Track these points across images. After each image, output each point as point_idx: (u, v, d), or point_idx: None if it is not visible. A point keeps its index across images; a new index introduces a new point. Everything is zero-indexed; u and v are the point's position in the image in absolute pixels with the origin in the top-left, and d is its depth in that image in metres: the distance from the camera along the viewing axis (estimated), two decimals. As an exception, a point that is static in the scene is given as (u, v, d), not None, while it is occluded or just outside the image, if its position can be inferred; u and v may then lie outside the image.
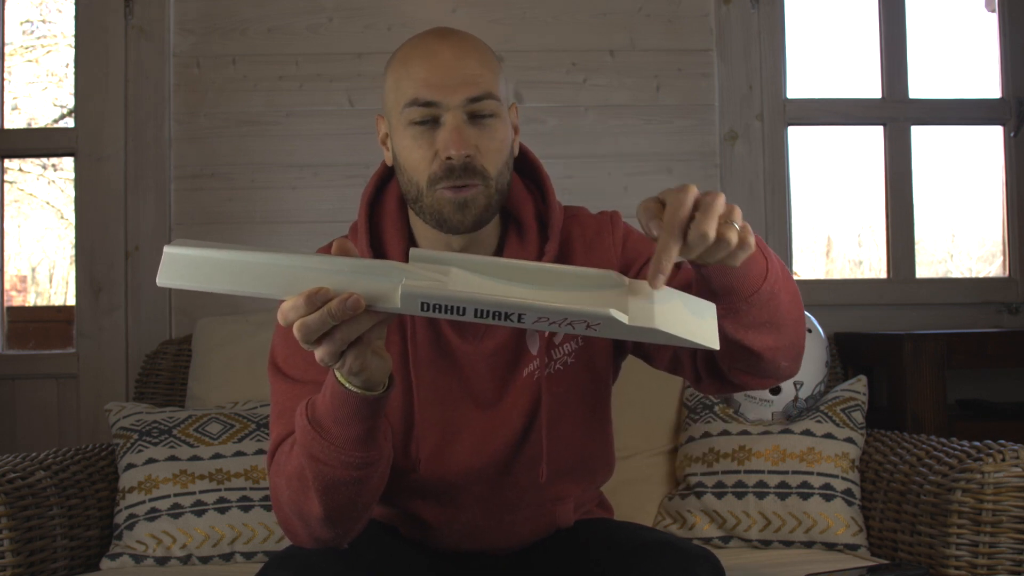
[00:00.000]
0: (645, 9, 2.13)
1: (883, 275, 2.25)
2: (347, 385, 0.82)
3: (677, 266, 1.06)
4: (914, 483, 1.41)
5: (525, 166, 1.12)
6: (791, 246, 2.15)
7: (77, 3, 2.09)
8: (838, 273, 3.09)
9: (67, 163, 3.40)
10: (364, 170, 2.06)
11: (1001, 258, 2.32)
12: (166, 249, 0.73)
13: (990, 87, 2.28)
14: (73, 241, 2.16)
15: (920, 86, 2.24)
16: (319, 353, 0.75)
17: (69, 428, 2.07)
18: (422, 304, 0.71)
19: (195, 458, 1.58)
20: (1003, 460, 1.28)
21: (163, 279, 0.72)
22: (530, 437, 1.08)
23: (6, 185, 2.22)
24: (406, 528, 1.14)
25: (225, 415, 1.65)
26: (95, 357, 2.06)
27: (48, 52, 3.54)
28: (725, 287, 0.87)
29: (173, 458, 1.58)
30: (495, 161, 0.99)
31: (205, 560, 1.52)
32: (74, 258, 2.12)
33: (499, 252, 1.08)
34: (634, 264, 1.09)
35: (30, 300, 3.84)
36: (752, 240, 0.78)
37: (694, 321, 0.75)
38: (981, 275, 2.80)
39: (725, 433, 1.63)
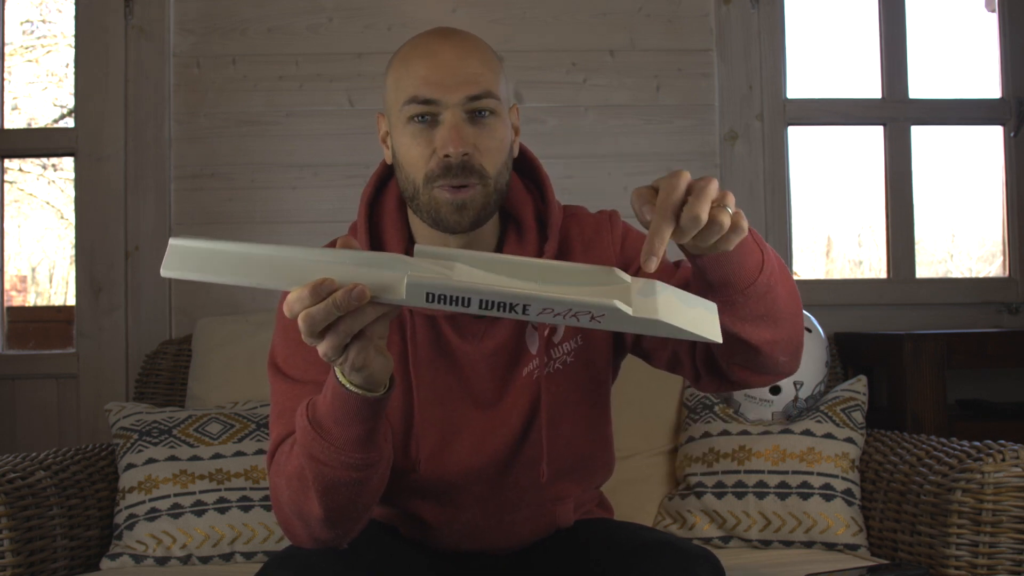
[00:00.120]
0: (645, 9, 2.13)
1: (883, 275, 2.25)
2: (348, 386, 0.82)
3: (676, 264, 1.07)
4: (914, 483, 1.41)
5: (525, 166, 1.12)
6: (791, 246, 2.15)
7: (77, 3, 2.09)
8: (838, 273, 3.09)
9: (67, 163, 3.40)
10: (364, 170, 2.06)
11: (1001, 258, 2.32)
12: (171, 241, 0.73)
13: (990, 87, 2.28)
14: (73, 241, 2.16)
15: (920, 86, 2.24)
16: (322, 347, 0.74)
17: (69, 428, 2.07)
18: (427, 295, 0.71)
19: (195, 458, 1.58)
20: (1003, 460, 1.28)
21: (167, 270, 0.72)
22: (530, 437, 1.08)
23: (6, 185, 2.22)
24: (406, 528, 1.14)
25: (225, 415, 1.65)
26: (95, 357, 2.06)
27: (48, 52, 3.54)
28: (721, 279, 0.86)
29: (173, 458, 1.58)
30: (494, 160, 0.99)
31: (205, 560, 1.52)
32: (74, 258, 2.12)
33: (498, 251, 1.08)
34: (633, 263, 1.09)
35: (30, 300, 3.84)
36: (745, 224, 0.78)
37: (696, 316, 0.75)
38: (981, 275, 2.80)
39: (725, 433, 1.63)
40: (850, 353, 1.99)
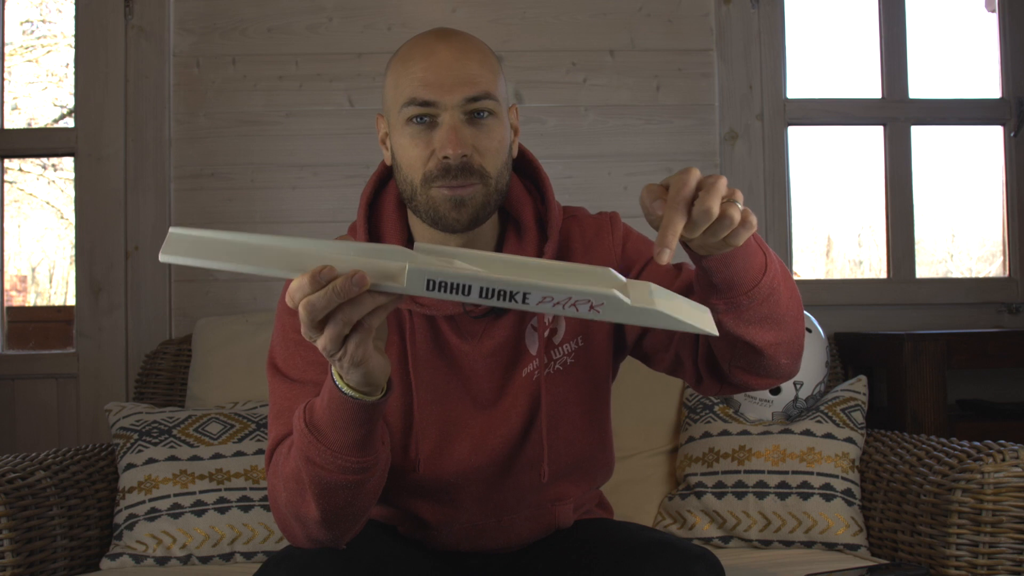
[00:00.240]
0: (645, 9, 2.13)
1: (883, 275, 2.25)
2: (345, 389, 0.82)
3: (677, 268, 1.07)
4: (914, 483, 1.41)
5: (524, 167, 1.12)
6: (791, 246, 2.15)
7: (77, 3, 2.09)
8: (838, 273, 3.08)
9: (67, 163, 3.40)
10: (364, 170, 2.06)
11: (1001, 258, 2.32)
12: (171, 229, 0.72)
13: (990, 87, 2.28)
14: (73, 241, 2.16)
15: (920, 86, 2.24)
16: (322, 340, 0.74)
17: (69, 428, 2.07)
18: (428, 282, 0.71)
19: (195, 458, 1.58)
20: (1003, 460, 1.28)
21: (165, 254, 0.72)
22: (530, 437, 1.08)
23: (6, 185, 2.22)
24: (406, 528, 1.14)
25: (225, 415, 1.65)
26: (95, 357, 2.06)
27: (48, 52, 3.54)
28: (726, 281, 0.87)
29: (173, 458, 1.58)
30: (493, 161, 0.99)
31: (205, 560, 1.52)
32: (74, 258, 2.12)
33: (498, 251, 1.08)
34: (634, 266, 1.10)
35: (30, 300, 3.84)
36: (754, 220, 0.79)
37: (692, 311, 0.76)
38: (981, 275, 2.80)
39: (725, 433, 1.63)
40: (850, 353, 1.99)
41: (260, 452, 1.60)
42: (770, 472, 1.56)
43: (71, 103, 2.25)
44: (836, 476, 1.54)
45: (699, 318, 0.75)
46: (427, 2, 2.12)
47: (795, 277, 2.25)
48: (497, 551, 1.14)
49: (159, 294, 2.06)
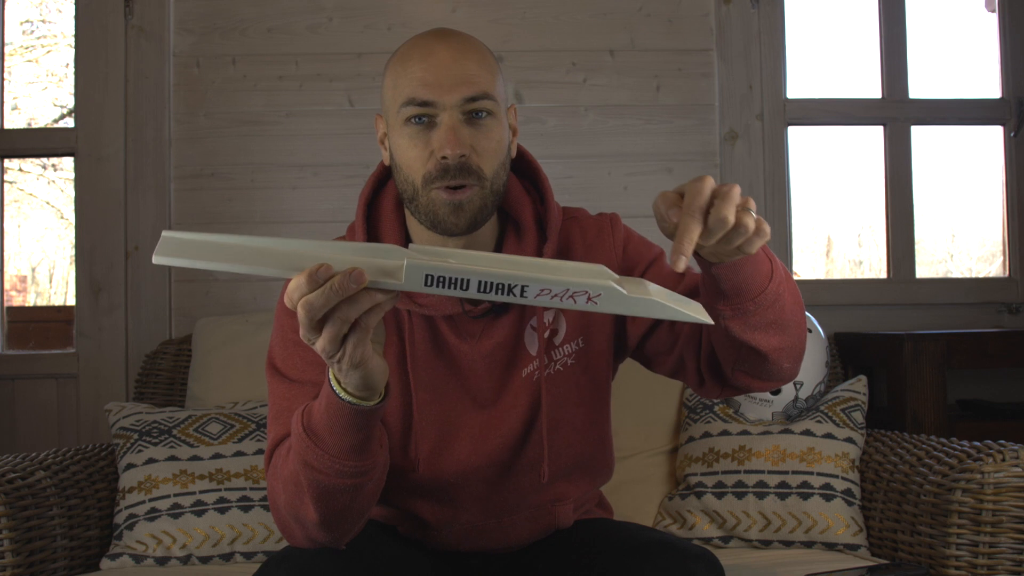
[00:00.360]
0: (645, 9, 2.13)
1: (883, 275, 2.25)
2: (342, 395, 0.82)
3: (680, 275, 1.07)
4: (914, 483, 1.41)
5: (523, 167, 1.12)
6: (791, 246, 2.15)
7: (77, 3, 2.09)
8: (838, 273, 3.09)
9: (67, 163, 3.40)
10: (364, 170, 2.06)
11: (1001, 258, 2.32)
12: (164, 233, 0.72)
13: (990, 87, 2.28)
14: (73, 241, 2.16)
15: (920, 86, 2.24)
16: (320, 341, 0.74)
17: (69, 428, 2.07)
18: (426, 277, 0.71)
19: (195, 458, 1.58)
20: (1003, 460, 1.28)
21: (159, 256, 0.71)
22: (531, 438, 1.08)
23: (6, 185, 2.22)
24: (405, 528, 1.14)
25: (225, 415, 1.65)
26: (95, 357, 2.06)
27: (48, 52, 3.54)
28: (734, 287, 0.88)
29: (173, 458, 1.58)
30: (491, 161, 0.99)
31: (205, 560, 1.52)
32: (74, 258, 2.12)
33: (497, 252, 1.08)
34: (636, 268, 1.10)
35: (30, 300, 3.84)
36: (767, 229, 0.81)
37: (686, 303, 0.76)
38: (981, 275, 2.80)
39: (725, 433, 1.63)
40: (850, 353, 1.99)
41: (260, 452, 1.60)
42: (770, 472, 1.56)
43: (71, 103, 2.25)
44: (836, 476, 1.54)
45: (695, 308, 0.76)
46: (427, 2, 2.12)
47: (795, 277, 2.25)
48: (497, 551, 1.14)
49: (159, 294, 2.06)
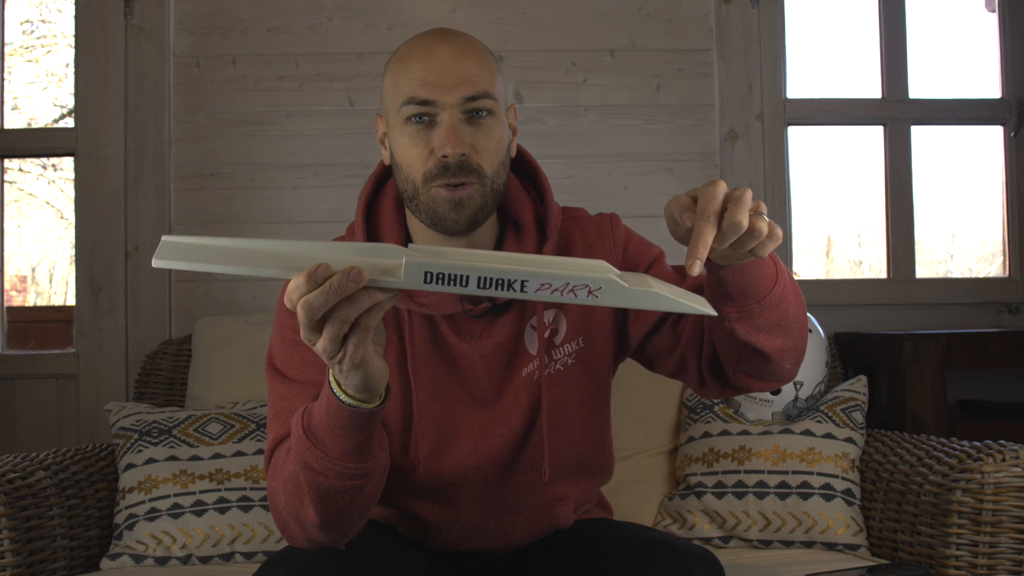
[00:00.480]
0: (645, 9, 2.13)
1: (883, 275, 2.25)
2: (343, 397, 0.82)
3: (680, 273, 1.07)
4: (914, 483, 1.41)
5: (523, 167, 1.12)
6: (791, 246, 2.15)
7: (77, 3, 2.09)
8: (838, 273, 3.09)
9: (67, 163, 3.40)
10: (364, 170, 2.06)
11: (1001, 258, 2.32)
12: (164, 238, 0.72)
13: (990, 87, 2.28)
14: (73, 241, 2.16)
15: (920, 86, 2.24)
16: (321, 342, 0.73)
17: (69, 428, 2.07)
18: (425, 274, 0.71)
19: (195, 458, 1.58)
20: (1003, 460, 1.28)
21: (159, 260, 0.71)
22: (531, 438, 1.08)
23: (6, 185, 2.22)
24: (405, 527, 1.14)
25: (225, 415, 1.65)
26: (95, 357, 2.06)
27: (48, 52, 3.54)
28: (741, 290, 0.89)
29: (173, 458, 1.58)
30: (491, 160, 0.99)
31: (205, 560, 1.52)
32: (74, 258, 2.12)
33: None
34: (636, 269, 1.10)
35: (30, 300, 3.84)
36: (779, 232, 0.82)
37: (689, 295, 0.76)
38: (981, 275, 2.80)
39: (725, 433, 1.63)
40: (850, 353, 1.99)
41: (260, 452, 1.60)
42: (770, 472, 1.56)
43: (71, 103, 2.25)
44: (836, 476, 1.54)
45: (698, 300, 0.76)
46: (427, 2, 2.12)
47: (795, 277, 2.25)
48: (497, 551, 1.14)
49: (159, 294, 2.06)
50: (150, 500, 1.54)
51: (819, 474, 1.54)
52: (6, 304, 2.17)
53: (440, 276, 0.71)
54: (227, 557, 1.53)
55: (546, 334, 1.07)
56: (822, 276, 2.94)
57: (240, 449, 1.60)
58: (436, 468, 1.06)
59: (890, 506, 1.47)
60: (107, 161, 2.07)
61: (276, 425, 1.00)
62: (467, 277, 0.71)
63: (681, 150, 2.13)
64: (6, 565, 1.32)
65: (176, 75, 2.09)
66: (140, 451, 1.59)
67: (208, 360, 1.82)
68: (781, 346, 0.95)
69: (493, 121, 0.99)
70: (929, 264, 2.91)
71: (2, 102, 2.18)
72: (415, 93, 0.97)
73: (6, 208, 2.20)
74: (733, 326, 0.92)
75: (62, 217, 3.79)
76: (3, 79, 2.19)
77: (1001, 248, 2.32)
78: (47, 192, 3.84)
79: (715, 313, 0.77)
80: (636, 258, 1.11)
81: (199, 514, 1.53)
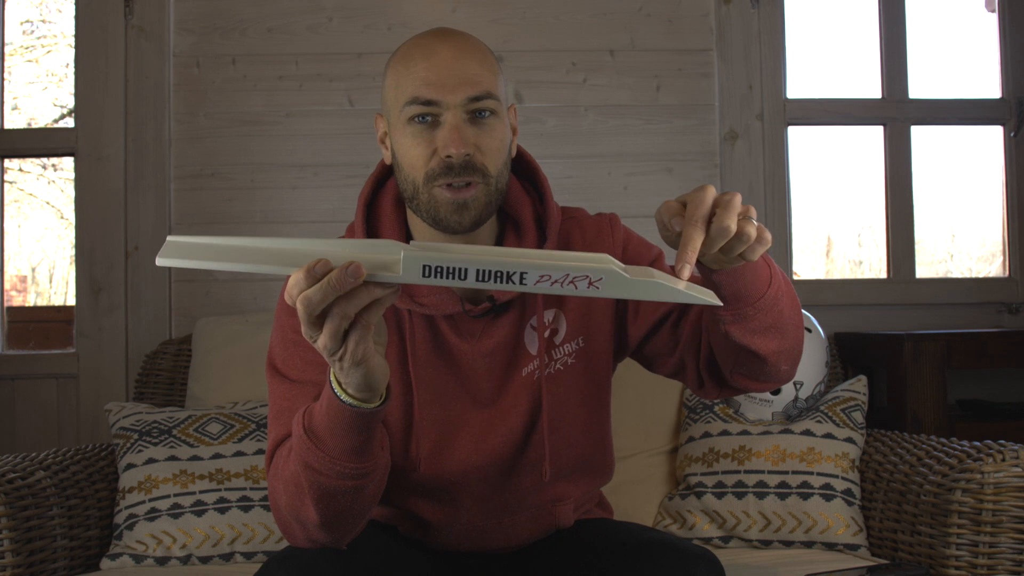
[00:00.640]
0: (645, 9, 2.13)
1: (883, 275, 2.25)
2: (343, 397, 0.82)
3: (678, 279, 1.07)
4: (914, 483, 1.41)
5: (523, 167, 1.12)
6: (791, 246, 2.15)
7: (77, 3, 2.09)
8: (838, 273, 3.09)
9: (67, 163, 3.40)
10: (364, 170, 2.06)
11: (1001, 258, 2.32)
12: (169, 238, 0.73)
13: (990, 87, 2.28)
14: (73, 241, 2.16)
15: (920, 86, 2.24)
16: (322, 339, 0.74)
17: (69, 428, 2.07)
18: (424, 268, 0.70)
19: (195, 458, 1.58)
20: (1003, 460, 1.28)
21: (163, 258, 0.72)
22: (532, 437, 1.08)
23: (6, 185, 2.22)
24: (406, 527, 1.14)
25: (225, 415, 1.65)
26: (95, 357, 2.06)
27: (48, 52, 3.54)
28: (734, 293, 0.89)
29: (173, 458, 1.58)
30: (495, 160, 0.99)
31: (205, 560, 1.52)
32: (74, 258, 2.12)
33: (497, 250, 1.08)
34: None
35: (30, 300, 3.84)
36: (768, 236, 0.82)
37: (692, 286, 0.76)
38: (981, 275, 2.80)
39: (725, 433, 1.63)
40: (850, 353, 1.99)
41: (260, 452, 1.60)
42: (770, 472, 1.56)
43: (71, 103, 2.25)
44: (836, 476, 1.54)
45: (702, 290, 0.75)
46: (427, 2, 2.12)
47: (795, 277, 2.26)
48: (497, 551, 1.14)
49: (159, 294, 2.06)
50: (150, 500, 1.54)
51: (819, 474, 1.54)
52: (6, 304, 2.17)
53: (439, 269, 0.70)
54: (227, 557, 1.53)
55: (546, 334, 1.07)
56: (822, 276, 2.94)
57: (240, 449, 1.60)
58: (437, 468, 1.06)
59: (890, 506, 1.47)
60: (107, 161, 2.07)
61: (277, 425, 1.00)
62: (465, 270, 0.70)
63: (681, 150, 2.13)
64: (6, 565, 1.32)
65: (176, 75, 2.09)
66: (140, 451, 1.59)
67: (208, 360, 1.82)
68: (777, 348, 0.96)
69: (496, 121, 0.99)
70: (929, 264, 2.91)
71: (2, 102, 2.18)
72: (418, 93, 0.96)
73: (6, 208, 2.20)
74: (728, 329, 0.93)
75: (62, 217, 3.79)
76: (3, 79, 2.19)
77: (1001, 248, 2.32)
78: (47, 192, 3.84)
79: (721, 303, 0.77)
80: (636, 258, 1.11)
81: (199, 514, 1.53)
